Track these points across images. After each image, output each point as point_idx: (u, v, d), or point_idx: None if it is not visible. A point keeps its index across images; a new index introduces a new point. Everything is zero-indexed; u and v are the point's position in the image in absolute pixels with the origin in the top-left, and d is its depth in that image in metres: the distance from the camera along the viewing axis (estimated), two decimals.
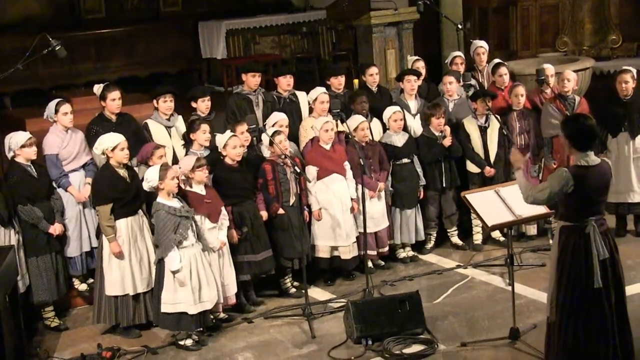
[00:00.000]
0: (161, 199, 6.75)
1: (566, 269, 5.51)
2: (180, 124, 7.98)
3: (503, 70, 9.04)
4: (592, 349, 5.49)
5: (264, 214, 7.55)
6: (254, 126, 7.42)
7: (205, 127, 7.51)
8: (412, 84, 8.73)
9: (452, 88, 8.84)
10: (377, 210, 8.11)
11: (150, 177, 6.74)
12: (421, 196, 8.48)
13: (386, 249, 8.31)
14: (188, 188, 7.06)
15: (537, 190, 5.60)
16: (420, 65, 9.20)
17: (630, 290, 6.35)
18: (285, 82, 8.58)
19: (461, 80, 8.94)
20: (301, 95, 8.62)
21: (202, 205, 7.02)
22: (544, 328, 6.57)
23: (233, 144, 7.33)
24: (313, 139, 8.01)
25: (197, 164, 7.03)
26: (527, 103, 8.77)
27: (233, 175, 7.37)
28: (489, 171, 8.50)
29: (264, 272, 7.59)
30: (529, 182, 5.81)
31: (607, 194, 5.67)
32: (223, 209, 7.18)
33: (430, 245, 8.75)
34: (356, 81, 10.75)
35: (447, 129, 8.43)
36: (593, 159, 5.48)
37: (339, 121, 7.78)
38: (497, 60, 9.32)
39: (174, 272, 6.68)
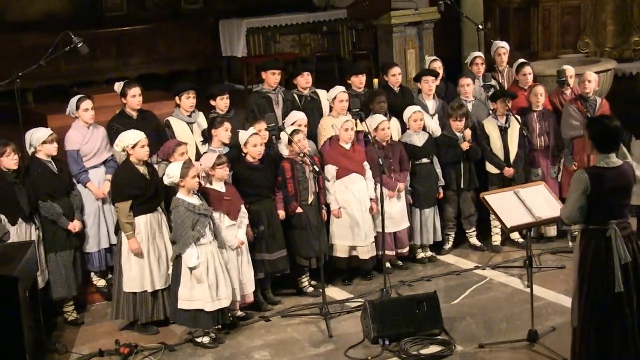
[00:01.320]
0: (181, 195, 6.77)
1: (587, 273, 5.43)
2: (202, 120, 7.99)
3: (527, 69, 8.99)
4: (615, 355, 5.40)
5: (282, 214, 7.56)
6: (273, 125, 7.40)
7: (228, 125, 7.50)
8: (430, 84, 8.71)
9: (469, 90, 8.82)
10: (396, 211, 8.10)
11: (172, 173, 6.76)
12: (440, 196, 8.46)
13: (406, 249, 8.28)
14: (208, 185, 7.07)
15: (565, 206, 5.53)
16: (438, 66, 9.18)
17: None
18: (304, 81, 8.57)
19: (482, 81, 8.91)
20: (322, 93, 8.60)
21: (221, 203, 7.03)
22: (563, 331, 6.55)
23: (254, 142, 7.33)
24: (332, 138, 8.01)
25: (219, 161, 7.04)
26: (547, 104, 8.73)
27: (253, 174, 7.37)
28: (509, 172, 8.46)
29: (279, 272, 7.59)
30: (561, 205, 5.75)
31: (630, 197, 5.57)
32: (243, 207, 7.19)
33: (448, 246, 8.72)
34: (376, 81, 10.74)
35: (468, 133, 8.40)
36: (614, 161, 5.41)
37: (358, 120, 7.76)
38: (522, 60, 9.29)
39: (191, 269, 6.71)
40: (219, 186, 7.09)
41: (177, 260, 6.80)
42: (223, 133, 7.48)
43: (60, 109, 8.13)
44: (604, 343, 5.42)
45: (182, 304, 6.79)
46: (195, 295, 6.75)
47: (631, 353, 5.40)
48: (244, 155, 7.38)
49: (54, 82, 13.32)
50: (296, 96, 8.54)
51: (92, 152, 7.61)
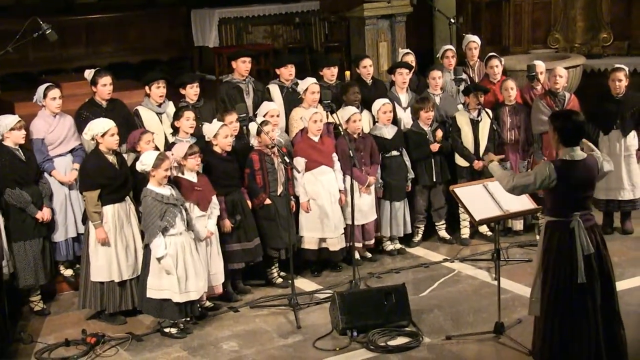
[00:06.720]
0: (151, 185, 6.74)
1: (551, 264, 5.52)
2: (171, 110, 7.93)
3: (494, 62, 9.04)
4: (575, 345, 5.48)
5: (250, 203, 7.55)
6: (243, 115, 7.39)
7: (189, 114, 7.47)
8: (403, 77, 8.73)
9: (439, 82, 8.85)
10: (365, 203, 8.11)
11: (146, 161, 6.71)
12: (408, 189, 8.48)
13: (372, 241, 8.31)
14: (180, 175, 7.04)
15: (520, 177, 5.64)
16: (411, 59, 9.20)
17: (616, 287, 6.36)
18: (287, 72, 8.55)
19: (452, 74, 8.94)
20: None
21: (192, 193, 7.00)
22: (529, 323, 6.60)
23: (224, 134, 7.31)
24: (303, 129, 8.01)
25: (190, 151, 7.01)
26: (518, 98, 8.78)
27: (224, 164, 7.36)
28: (478, 164, 8.50)
29: (255, 260, 7.60)
30: (506, 171, 5.84)
31: (594, 190, 5.66)
32: (214, 198, 7.17)
33: (417, 238, 8.75)
34: (348, 73, 10.74)
35: (439, 133, 8.42)
36: (579, 153, 5.50)
37: (328, 112, 7.76)
38: (491, 53, 9.34)
39: (158, 259, 6.67)
40: (190, 176, 7.07)
41: (147, 249, 6.78)
42: (185, 123, 7.44)
43: (27, 96, 8.04)
44: (566, 334, 5.49)
45: (150, 293, 6.76)
46: (163, 285, 6.73)
47: (593, 345, 5.45)
48: (212, 146, 7.34)
49: (22, 69, 13.18)
50: (277, 86, 8.51)
51: (57, 141, 7.53)
